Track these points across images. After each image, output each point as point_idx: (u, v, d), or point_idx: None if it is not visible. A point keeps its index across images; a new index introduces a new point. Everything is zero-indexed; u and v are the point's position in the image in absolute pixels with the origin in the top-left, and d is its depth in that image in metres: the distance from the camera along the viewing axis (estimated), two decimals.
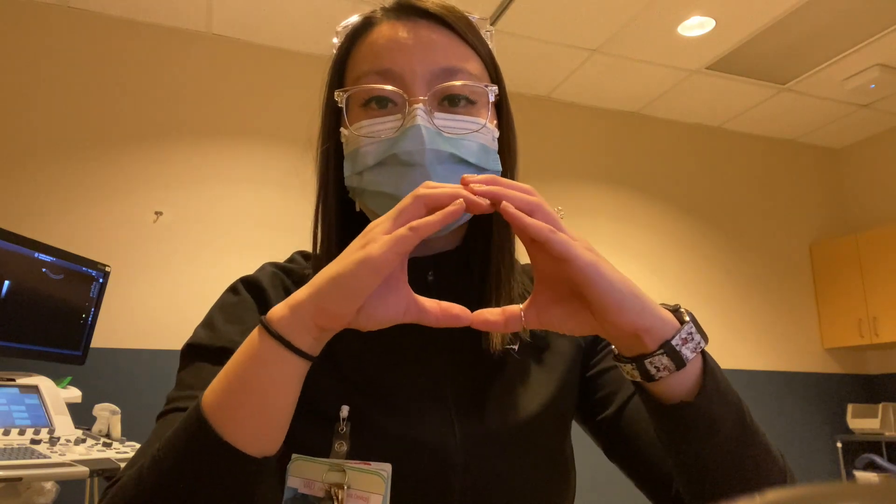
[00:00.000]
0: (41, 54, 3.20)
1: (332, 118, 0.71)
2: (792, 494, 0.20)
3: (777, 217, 4.69)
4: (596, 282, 0.50)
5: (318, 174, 0.72)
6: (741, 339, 4.32)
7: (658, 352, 0.53)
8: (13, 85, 3.12)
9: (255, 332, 0.53)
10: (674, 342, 0.53)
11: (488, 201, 0.52)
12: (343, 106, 0.68)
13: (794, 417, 4.32)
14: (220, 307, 0.70)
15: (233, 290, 0.71)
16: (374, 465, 0.59)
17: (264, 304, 0.68)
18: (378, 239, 0.50)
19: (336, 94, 0.69)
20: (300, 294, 0.53)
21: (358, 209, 0.70)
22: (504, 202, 0.51)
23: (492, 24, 3.78)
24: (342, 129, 0.69)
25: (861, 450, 4.27)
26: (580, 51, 3.67)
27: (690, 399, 0.54)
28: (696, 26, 3.42)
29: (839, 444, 4.32)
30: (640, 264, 4.14)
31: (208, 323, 0.68)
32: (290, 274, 0.73)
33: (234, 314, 0.68)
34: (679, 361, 0.53)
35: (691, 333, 0.54)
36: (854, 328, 4.39)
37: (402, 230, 0.50)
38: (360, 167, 0.66)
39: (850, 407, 4.30)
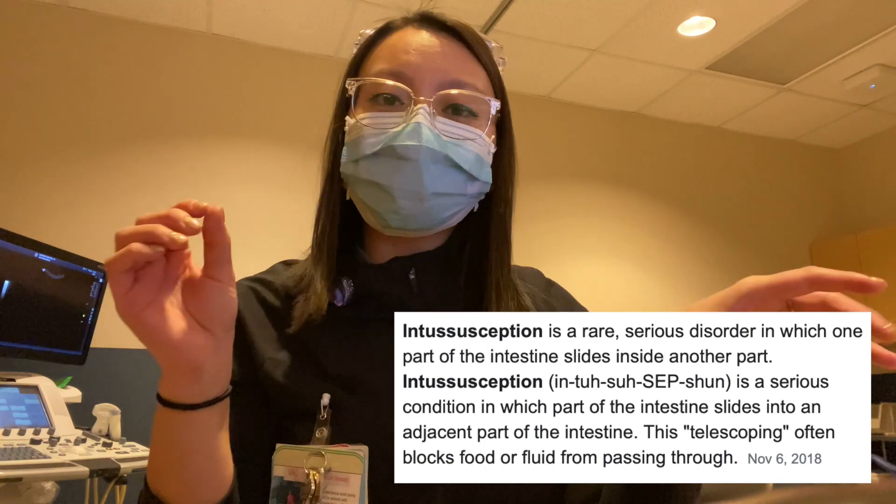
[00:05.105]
0: (41, 54, 3.20)
1: (343, 107, 0.74)
2: (792, 495, 0.20)
3: (777, 217, 4.69)
4: None
5: (322, 161, 0.75)
6: None
7: None
8: (13, 85, 3.12)
9: None
10: None
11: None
12: (353, 95, 0.71)
13: None
14: None
15: None
16: (352, 448, 0.61)
17: (238, 324, 0.69)
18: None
19: (348, 82, 0.72)
20: None
21: (348, 198, 0.72)
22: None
23: (492, 24, 3.70)
24: (347, 118, 0.71)
25: None
26: (580, 51, 3.67)
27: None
28: (696, 26, 3.42)
29: None
30: (640, 264, 4.13)
31: None
32: (267, 285, 0.74)
33: None
34: None
35: None
36: None
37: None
38: (357, 155, 0.68)
39: None
